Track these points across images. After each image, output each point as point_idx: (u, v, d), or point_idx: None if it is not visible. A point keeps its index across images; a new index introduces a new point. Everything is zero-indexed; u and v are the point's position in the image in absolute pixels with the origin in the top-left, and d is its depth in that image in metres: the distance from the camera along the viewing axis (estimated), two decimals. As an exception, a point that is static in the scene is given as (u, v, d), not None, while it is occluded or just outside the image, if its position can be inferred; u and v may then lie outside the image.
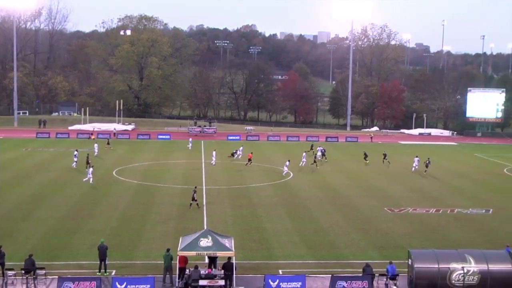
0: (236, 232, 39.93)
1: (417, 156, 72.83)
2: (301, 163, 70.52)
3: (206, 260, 32.58)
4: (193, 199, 47.99)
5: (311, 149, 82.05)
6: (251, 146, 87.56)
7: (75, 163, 66.43)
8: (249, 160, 70.33)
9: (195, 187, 50.42)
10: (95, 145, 78.31)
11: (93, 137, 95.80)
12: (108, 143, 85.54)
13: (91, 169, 58.14)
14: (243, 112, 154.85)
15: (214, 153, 72.46)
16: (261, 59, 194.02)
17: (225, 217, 45.40)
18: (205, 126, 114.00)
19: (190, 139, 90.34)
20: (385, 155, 75.49)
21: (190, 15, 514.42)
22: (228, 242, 31.75)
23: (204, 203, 49.72)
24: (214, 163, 70.59)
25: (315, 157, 72.43)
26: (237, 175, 64.89)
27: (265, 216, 46.08)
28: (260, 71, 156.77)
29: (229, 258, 30.91)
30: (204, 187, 56.46)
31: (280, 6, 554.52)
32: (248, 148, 79.14)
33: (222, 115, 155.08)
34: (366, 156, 75.51)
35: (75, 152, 68.29)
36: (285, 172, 65.04)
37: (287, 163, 66.36)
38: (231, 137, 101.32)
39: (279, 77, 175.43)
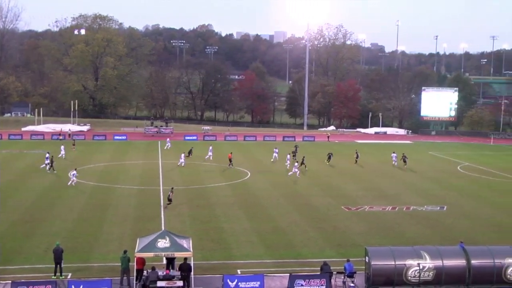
0: (194, 233, 39.75)
1: (394, 152, 76.97)
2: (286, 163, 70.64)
3: (164, 261, 32.32)
4: (169, 199, 48.24)
5: (295, 150, 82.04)
6: (207, 147, 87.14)
7: (46, 165, 64.87)
8: (230, 160, 70.25)
9: (172, 188, 50.37)
10: (62, 146, 76.66)
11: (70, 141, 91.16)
12: (73, 144, 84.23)
13: (74, 171, 57.17)
14: (200, 112, 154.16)
15: (183, 155, 71.30)
16: (218, 59, 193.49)
17: (183, 218, 45.15)
18: (161, 126, 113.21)
19: (168, 139, 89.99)
20: (357, 155, 76.74)
21: (146, 15, 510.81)
22: (186, 243, 31.56)
23: (162, 203, 49.36)
24: (183, 164, 69.67)
25: (303, 159, 70.14)
26: (195, 175, 64.59)
27: (223, 216, 46.00)
28: (217, 71, 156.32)
29: (185, 258, 30.72)
30: (161, 188, 56.04)
31: (237, 6, 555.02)
32: (213, 148, 78.62)
33: (179, 115, 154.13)
34: (330, 157, 75.11)
35: (47, 155, 66.61)
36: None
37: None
38: (188, 137, 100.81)
39: (236, 76, 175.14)
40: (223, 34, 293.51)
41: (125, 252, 31.53)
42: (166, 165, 70.98)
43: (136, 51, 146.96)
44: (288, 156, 72.26)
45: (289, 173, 65.30)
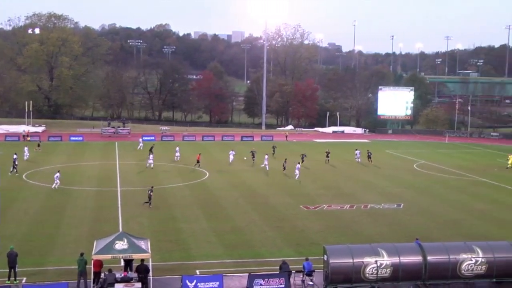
0: (152, 234, 39.43)
1: (357, 149, 79.02)
2: (263, 165, 70.06)
3: (122, 263, 31.96)
4: (149, 198, 48.22)
5: (273, 151, 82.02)
6: (166, 146, 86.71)
7: (13, 168, 63.37)
8: (197, 161, 69.78)
9: (152, 187, 50.13)
10: (25, 148, 75.08)
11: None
12: (38, 145, 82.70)
13: (58, 174, 56.01)
14: (157, 112, 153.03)
15: (151, 156, 70.08)
16: (176, 58, 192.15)
17: (141, 219, 44.74)
18: (119, 127, 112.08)
19: (141, 139, 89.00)
20: (327, 154, 77.26)
21: (102, 14, 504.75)
22: (144, 244, 31.27)
23: (119, 205, 48.84)
24: (152, 165, 68.64)
25: (284, 162, 68.76)
26: (153, 176, 64.06)
27: (181, 216, 45.76)
28: (175, 71, 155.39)
29: (142, 260, 30.44)
30: (119, 189, 55.50)
31: (194, 6, 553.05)
32: (180, 149, 78.13)
33: (136, 115, 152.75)
34: (302, 158, 73.97)
35: (14, 156, 65.07)
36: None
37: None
38: (145, 138, 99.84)
39: (194, 76, 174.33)
40: (181, 34, 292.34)
41: (81, 254, 31.05)
42: (123, 166, 70.26)
43: (92, 51, 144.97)
44: (266, 156, 71.34)
45: (296, 177, 64.56)
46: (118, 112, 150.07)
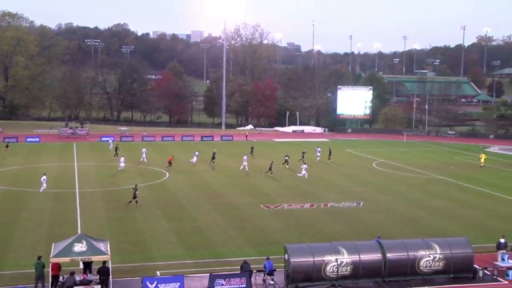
0: (112, 235, 38.99)
1: (318, 147, 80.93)
2: (242, 166, 69.52)
3: (81, 266, 31.50)
4: (134, 197, 48.23)
5: (251, 151, 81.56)
6: (126, 147, 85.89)
7: None
8: (169, 163, 69.15)
9: (136, 185, 50.08)
10: None
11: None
12: (6, 147, 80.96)
13: (44, 176, 54.82)
14: (116, 113, 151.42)
15: (123, 158, 68.32)
16: (134, 58, 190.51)
17: (100, 220, 44.20)
18: (77, 127, 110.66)
19: (110, 140, 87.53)
20: (303, 154, 77.46)
21: (58, 13, 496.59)
22: (103, 246, 30.88)
23: (78, 207, 48.15)
24: (123, 168, 67.04)
25: (271, 165, 66.99)
26: (112, 176, 63.43)
27: (141, 217, 45.35)
28: (133, 71, 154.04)
29: (104, 262, 30.08)
30: (77, 191, 54.72)
31: (153, 5, 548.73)
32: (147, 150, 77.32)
33: (94, 115, 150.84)
34: (286, 160, 73.38)
35: None
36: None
37: (197, 152, 73.65)
38: (104, 138, 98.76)
39: (153, 76, 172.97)
40: (139, 33, 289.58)
41: (39, 258, 30.48)
42: (82, 167, 69.32)
43: (48, 50, 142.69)
44: (245, 157, 70.77)
45: (299, 174, 65.01)
46: (76, 113, 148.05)
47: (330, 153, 79.13)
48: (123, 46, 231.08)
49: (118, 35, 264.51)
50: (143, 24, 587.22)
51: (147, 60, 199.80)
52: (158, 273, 32.87)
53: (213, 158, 73.92)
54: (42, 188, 54.11)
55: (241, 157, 74.20)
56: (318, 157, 78.14)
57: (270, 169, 66.15)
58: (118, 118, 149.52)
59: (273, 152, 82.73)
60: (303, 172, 64.72)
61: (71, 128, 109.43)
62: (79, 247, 29.69)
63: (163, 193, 55.00)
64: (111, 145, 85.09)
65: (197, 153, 75.42)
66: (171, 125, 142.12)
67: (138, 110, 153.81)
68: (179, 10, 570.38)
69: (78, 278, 29.87)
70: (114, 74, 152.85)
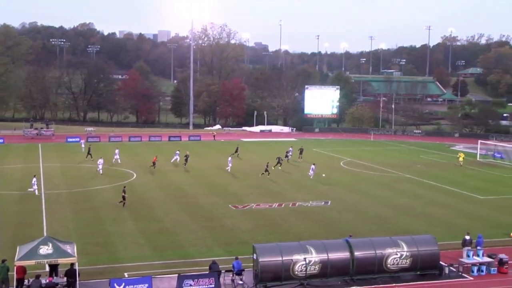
0: (79, 237, 38.52)
1: (291, 146, 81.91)
2: (228, 167, 68.87)
3: (47, 269, 31.06)
4: (123, 198, 48.24)
5: (236, 151, 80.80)
6: (93, 148, 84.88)
7: None
8: (153, 163, 68.44)
9: (124, 186, 49.84)
10: None
11: None
12: None
13: (34, 178, 53.71)
14: (82, 113, 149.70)
15: (101, 160, 66.57)
16: (100, 58, 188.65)
17: (66, 222, 43.65)
18: (42, 128, 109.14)
19: (82, 141, 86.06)
20: (287, 153, 77.76)
21: (22, 12, 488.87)
22: (70, 248, 30.50)
23: (43, 209, 47.49)
24: (101, 171, 65.48)
25: (266, 166, 66.22)
26: (78, 177, 62.70)
27: (108, 218, 44.92)
28: (100, 71, 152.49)
29: (71, 264, 29.72)
30: (43, 192, 53.92)
31: (119, 4, 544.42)
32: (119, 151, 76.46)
33: (60, 116, 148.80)
34: (279, 162, 72.48)
35: None
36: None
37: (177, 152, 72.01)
38: (70, 139, 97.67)
39: (120, 76, 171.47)
40: (106, 33, 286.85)
41: (3, 261, 29.97)
42: (47, 168, 68.37)
43: (12, 50, 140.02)
44: (230, 158, 70.19)
45: (309, 173, 65.04)
46: (41, 113, 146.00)
47: (301, 152, 79.28)
48: (89, 46, 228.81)
49: (84, 35, 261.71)
50: (109, 23, 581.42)
51: (113, 60, 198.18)
52: (125, 274, 32.60)
53: (186, 160, 72.63)
54: (34, 190, 53.09)
55: (209, 157, 74.31)
56: (290, 156, 78.30)
57: (266, 170, 65.66)
58: (84, 118, 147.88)
59: (243, 152, 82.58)
60: (310, 172, 64.87)
61: (36, 129, 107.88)
62: (45, 249, 29.28)
63: (130, 194, 54.29)
64: (83, 146, 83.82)
65: (178, 152, 74.82)
66: (138, 125, 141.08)
67: (104, 110, 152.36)
68: (146, 10, 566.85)
69: (44, 281, 29.48)
70: (80, 74, 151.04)
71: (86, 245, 37.32)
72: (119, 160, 72.95)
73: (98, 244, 38.15)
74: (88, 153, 75.59)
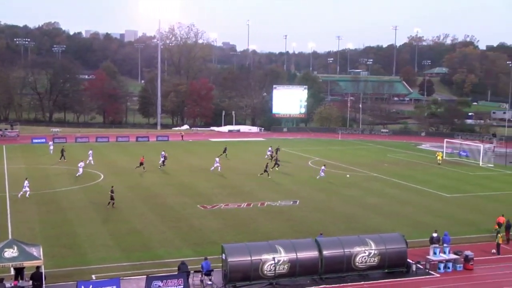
0: (45, 239, 38.02)
1: (271, 146, 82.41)
2: (212, 167, 68.23)
3: (12, 272, 30.57)
4: (112, 198, 48.11)
5: (224, 152, 79.95)
6: (59, 149, 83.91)
7: None
8: (141, 164, 67.79)
9: (112, 187, 49.57)
10: None
11: None
12: None
13: (26, 181, 52.58)
14: (48, 114, 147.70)
15: (81, 163, 65.17)
16: (66, 58, 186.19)
17: (32, 224, 43.01)
18: (6, 129, 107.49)
19: (51, 143, 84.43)
20: (275, 152, 77.55)
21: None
22: (36, 251, 30.05)
23: (8, 211, 46.72)
24: (80, 174, 63.97)
25: (266, 167, 66.78)
26: (44, 179, 61.84)
27: (76, 220, 44.40)
28: (66, 71, 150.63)
29: (37, 267, 29.28)
30: (7, 194, 53.09)
31: (85, 4, 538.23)
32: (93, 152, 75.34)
33: (25, 117, 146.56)
34: (276, 163, 72.81)
35: None
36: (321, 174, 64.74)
37: (217, 159, 69.02)
38: (36, 140, 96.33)
39: (86, 76, 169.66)
40: (71, 33, 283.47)
41: (-33, 264, 29.42)
42: (12, 170, 67.27)
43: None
44: (217, 159, 69.73)
45: (318, 177, 64.57)
46: (5, 114, 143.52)
47: (277, 152, 79.59)
48: (55, 46, 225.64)
49: (49, 34, 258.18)
50: (75, 23, 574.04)
51: (79, 60, 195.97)
52: (93, 276, 32.24)
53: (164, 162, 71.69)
54: (26, 193, 52.08)
55: (177, 158, 73.92)
56: (267, 156, 78.51)
57: (265, 170, 65.59)
58: (50, 119, 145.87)
59: (211, 152, 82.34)
60: (321, 174, 64.79)
61: (0, 130, 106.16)
62: (9, 252, 28.82)
63: (98, 195, 53.93)
64: (51, 148, 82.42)
65: (163, 153, 73.79)
66: (106, 125, 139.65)
67: (71, 111, 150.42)
68: (112, 9, 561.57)
69: (8, 285, 29.05)
70: (45, 74, 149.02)
71: (52, 247, 36.84)
72: (92, 162, 72.03)
73: (65, 246, 37.68)
74: (62, 154, 74.52)
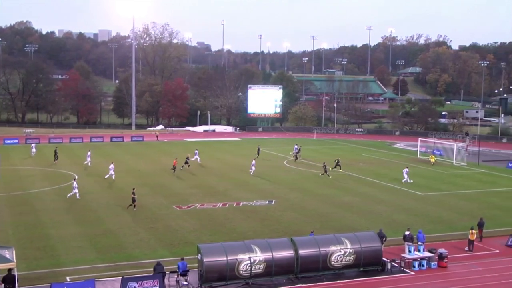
0: (18, 242, 37.57)
1: (296, 144, 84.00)
2: (251, 170, 67.78)
3: (-16, 275, 30.15)
4: (133, 200, 47.68)
5: (258, 152, 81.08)
6: (41, 151, 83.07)
7: None
8: (174, 167, 67.20)
9: (133, 189, 49.23)
10: None
11: None
12: None
13: (74, 182, 52.58)
14: (21, 114, 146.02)
15: (112, 166, 64.16)
16: (39, 57, 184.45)
17: (5, 226, 42.43)
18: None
19: (33, 145, 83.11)
20: (255, 153, 77.48)
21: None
22: (8, 253, 29.65)
23: (-19, 212, 46.11)
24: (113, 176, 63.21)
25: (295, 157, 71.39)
26: (17, 180, 61.11)
27: (49, 222, 43.91)
28: (38, 70, 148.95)
29: (9, 270, 28.89)
30: (-21, 196, 52.39)
31: (58, 3, 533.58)
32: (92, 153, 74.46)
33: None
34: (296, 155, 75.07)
35: None
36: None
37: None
38: (8, 141, 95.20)
39: (59, 76, 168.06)
40: (44, 32, 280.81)
41: None
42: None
43: None
44: (254, 161, 69.48)
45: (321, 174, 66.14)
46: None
47: (299, 150, 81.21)
48: (27, 45, 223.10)
49: (21, 34, 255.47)
50: (48, 22, 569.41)
51: (52, 60, 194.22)
52: (67, 278, 31.93)
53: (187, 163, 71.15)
54: (75, 193, 52.04)
55: (152, 158, 73.47)
56: (293, 153, 79.43)
57: (325, 171, 66.49)
58: (23, 119, 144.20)
59: (187, 152, 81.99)
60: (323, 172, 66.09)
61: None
62: (-18, 255, 28.40)
63: (72, 196, 53.41)
64: (34, 150, 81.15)
65: (197, 151, 75.36)
66: (80, 126, 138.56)
67: (44, 111, 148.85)
68: (86, 8, 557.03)
69: (-19, 287, 28.60)
70: (17, 74, 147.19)
71: (25, 249, 36.40)
72: (89, 163, 71.51)
73: (38, 249, 37.23)
74: (55, 155, 73.68)
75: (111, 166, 62.65)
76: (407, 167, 66.03)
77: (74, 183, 52.80)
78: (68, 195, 52.11)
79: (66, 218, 45.12)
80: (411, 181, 63.51)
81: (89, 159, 72.05)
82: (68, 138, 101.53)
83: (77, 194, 51.98)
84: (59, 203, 50.47)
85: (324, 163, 68.52)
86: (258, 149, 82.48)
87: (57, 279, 31.49)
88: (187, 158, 71.65)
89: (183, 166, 69.18)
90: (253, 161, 69.60)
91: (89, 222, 44.10)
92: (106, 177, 61.82)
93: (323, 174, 66.45)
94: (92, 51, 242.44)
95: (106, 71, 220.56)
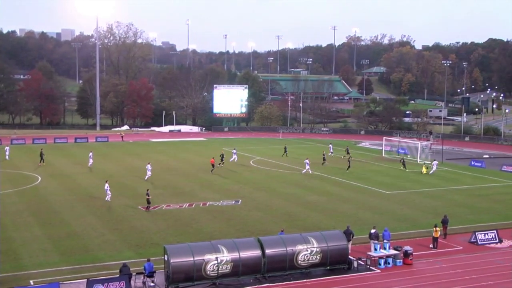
0: (-21, 245, 36.79)
1: (331, 143, 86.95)
2: (304, 170, 68.37)
3: None
4: (148, 202, 48.43)
5: (285, 152, 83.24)
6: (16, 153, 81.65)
7: None
8: (212, 166, 67.84)
9: (148, 190, 49.34)
10: None
11: None
12: None
13: (107, 185, 51.95)
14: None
15: (149, 166, 63.70)
16: (0, 57, 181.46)
17: (-34, 230, 41.55)
18: None
19: (7, 148, 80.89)
20: (221, 156, 75.49)
21: None
22: (-31, 257, 29.03)
23: None
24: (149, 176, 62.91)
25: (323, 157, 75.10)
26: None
27: (11, 224, 43.12)
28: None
29: (-28, 273, 28.34)
30: None
31: (19, 2, 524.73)
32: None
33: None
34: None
35: None
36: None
37: (307, 161, 69.55)
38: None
39: (21, 76, 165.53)
40: (5, 31, 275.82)
41: None
42: None
43: None
44: (307, 160, 69.47)
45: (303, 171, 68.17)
46: None
47: (348, 152, 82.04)
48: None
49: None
50: (8, 21, 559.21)
51: (14, 60, 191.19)
52: (31, 282, 31.41)
53: (222, 161, 72.57)
54: (108, 197, 51.56)
55: (117, 158, 72.62)
56: (235, 159, 77.05)
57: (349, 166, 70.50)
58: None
59: (152, 153, 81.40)
60: (307, 167, 68.14)
61: None
62: None
63: (34, 198, 52.63)
64: (8, 153, 79.26)
65: (234, 151, 77.25)
66: (43, 127, 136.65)
67: (5, 112, 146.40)
68: (48, 7, 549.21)
69: None
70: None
71: (-13, 253, 35.72)
72: (91, 164, 70.66)
73: (0, 252, 36.49)
74: (41, 157, 72.35)
75: (148, 166, 63.01)
76: (307, 158, 70.27)
77: (106, 185, 52.13)
78: (105, 199, 51.47)
79: (29, 220, 44.39)
80: (311, 171, 67.31)
81: (91, 161, 71.16)
82: (31, 139, 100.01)
83: (109, 197, 51.56)
84: (21, 205, 49.63)
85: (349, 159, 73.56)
86: (285, 148, 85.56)
87: (20, 282, 31.00)
88: (222, 155, 73.35)
89: (219, 164, 70.75)
90: (306, 161, 69.92)
91: (52, 225, 43.46)
92: (146, 178, 61.73)
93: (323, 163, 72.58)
94: (55, 51, 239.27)
95: (69, 71, 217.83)
